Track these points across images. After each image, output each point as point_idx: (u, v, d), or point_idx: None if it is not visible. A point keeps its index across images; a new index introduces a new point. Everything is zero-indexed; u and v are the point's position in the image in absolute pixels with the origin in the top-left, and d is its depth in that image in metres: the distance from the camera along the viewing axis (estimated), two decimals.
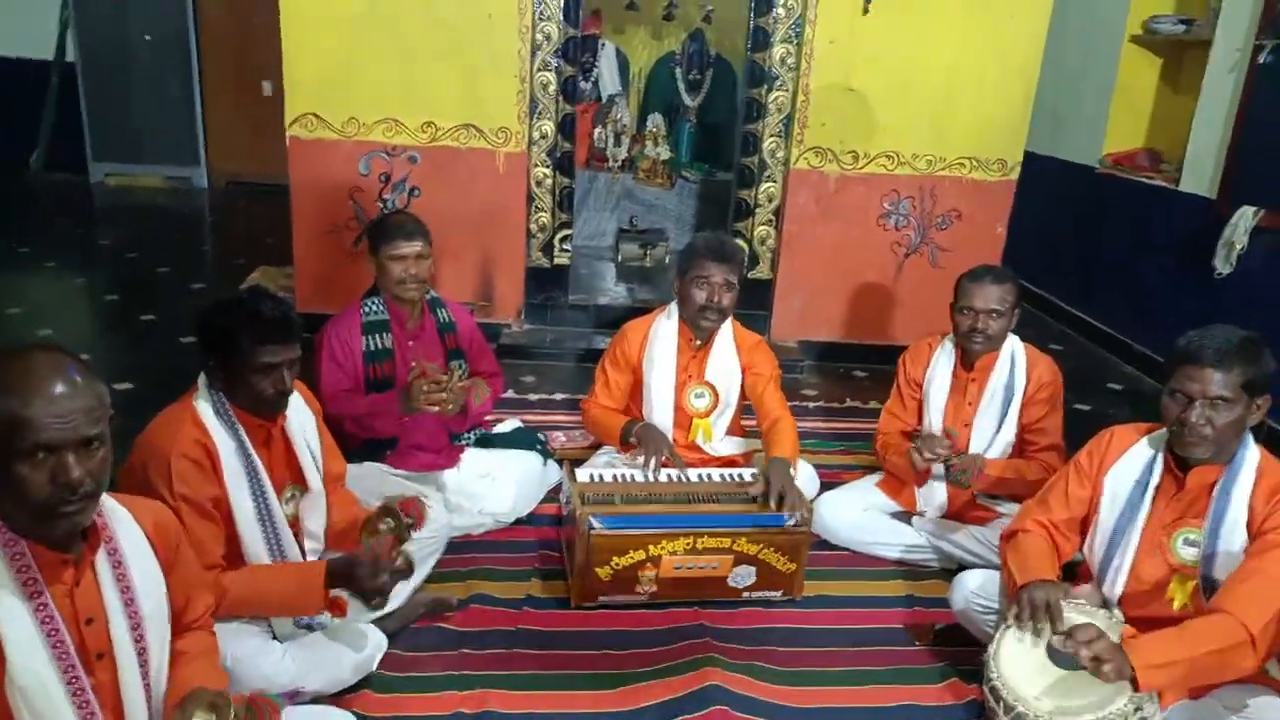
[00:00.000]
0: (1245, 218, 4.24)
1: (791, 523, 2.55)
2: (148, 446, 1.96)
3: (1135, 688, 1.86)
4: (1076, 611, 2.08)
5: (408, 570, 2.06)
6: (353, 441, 2.70)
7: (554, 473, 3.11)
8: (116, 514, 1.55)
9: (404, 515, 2.10)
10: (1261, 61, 4.23)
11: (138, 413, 2.08)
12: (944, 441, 2.74)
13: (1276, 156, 4.14)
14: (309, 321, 3.12)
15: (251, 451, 2.04)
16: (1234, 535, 2.02)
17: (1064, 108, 5.95)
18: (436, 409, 2.60)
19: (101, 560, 1.50)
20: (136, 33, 7.95)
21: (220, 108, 8.35)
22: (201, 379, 2.05)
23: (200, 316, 2.03)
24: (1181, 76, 5.34)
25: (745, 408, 3.14)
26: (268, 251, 5.87)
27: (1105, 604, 2.18)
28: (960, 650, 2.47)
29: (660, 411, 2.96)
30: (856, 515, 2.99)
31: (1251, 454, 2.06)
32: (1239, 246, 4.27)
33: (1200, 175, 4.68)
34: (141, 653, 1.53)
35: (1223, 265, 4.35)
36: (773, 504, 2.55)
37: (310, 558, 2.20)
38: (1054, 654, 2.00)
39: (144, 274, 5.72)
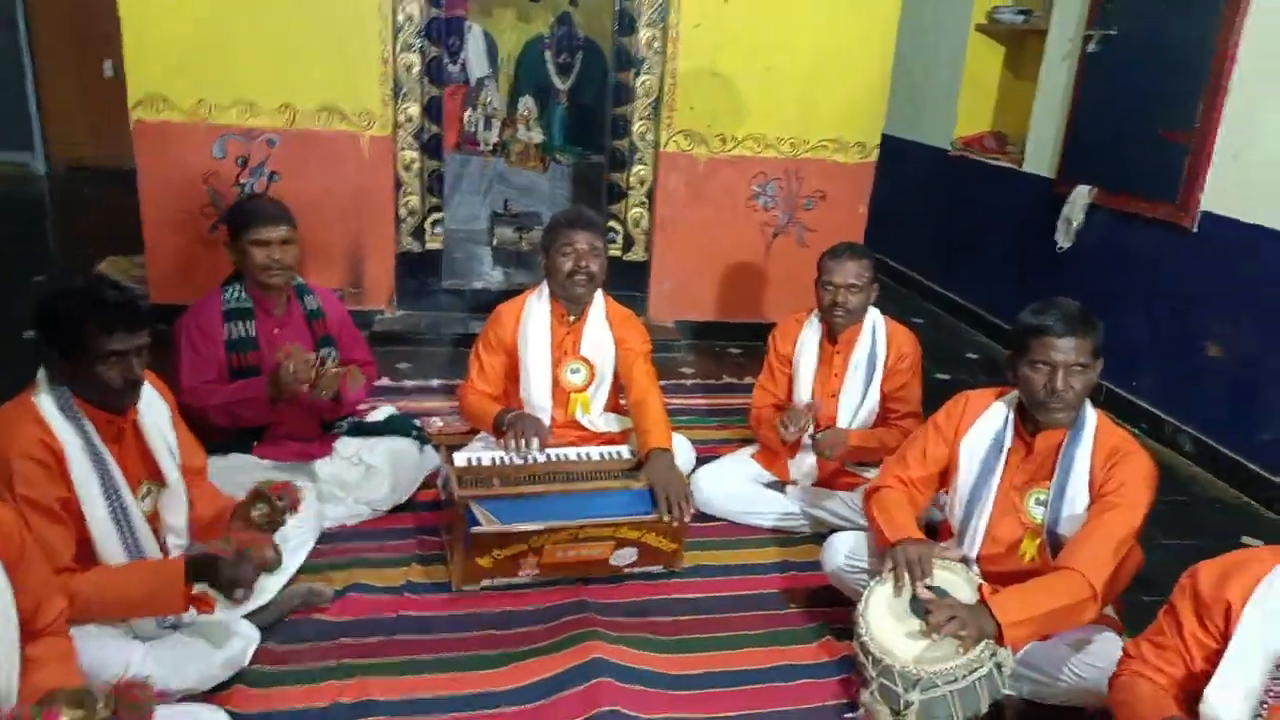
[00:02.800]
0: (1081, 195, 4.55)
1: (675, 523, 2.60)
2: None
3: (999, 642, 1.99)
4: (943, 568, 2.21)
5: (275, 560, 2.00)
6: (217, 434, 2.59)
7: (431, 459, 3.07)
8: None
9: (277, 498, 2.03)
10: (1090, 50, 4.54)
11: None
12: (806, 415, 2.86)
13: (1107, 138, 4.47)
14: (163, 312, 2.98)
15: (100, 448, 1.94)
16: (1077, 495, 2.18)
17: (918, 93, 6.23)
18: (306, 388, 2.52)
19: None
20: None
21: (57, 87, 7.79)
22: (41, 374, 1.93)
23: (41, 306, 1.91)
24: (1023, 64, 5.67)
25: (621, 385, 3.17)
26: (115, 240, 5.52)
27: (964, 561, 2.31)
28: (832, 610, 2.57)
29: (538, 389, 2.96)
30: (732, 486, 3.07)
31: (1090, 417, 2.22)
32: (1076, 222, 4.58)
33: (1041, 156, 5.00)
34: None
35: (1063, 239, 4.66)
36: (663, 508, 2.58)
37: (173, 553, 2.11)
38: (917, 608, 2.11)
39: None
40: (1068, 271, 4.67)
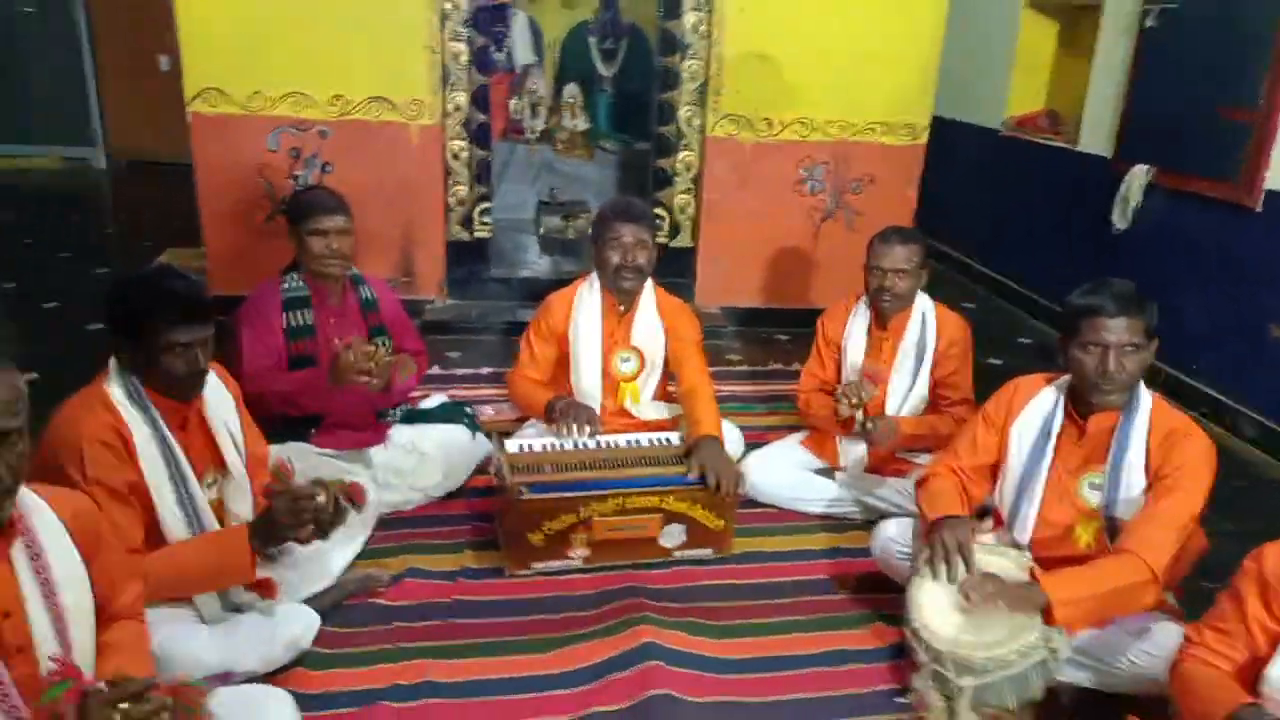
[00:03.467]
0: (1139, 175, 4.44)
1: (726, 497, 2.62)
2: (58, 433, 1.90)
3: (1048, 620, 1.97)
4: (988, 552, 2.19)
5: (336, 512, 1.99)
6: (275, 422, 2.66)
7: (483, 446, 3.11)
8: (33, 505, 1.51)
9: (344, 498, 2.07)
10: (1148, 25, 4.42)
11: (45, 404, 2.00)
12: (867, 386, 2.83)
13: (1166, 116, 4.35)
14: (223, 303, 3.05)
15: (168, 435, 1.99)
16: (1133, 478, 2.14)
17: (968, 73, 6.11)
18: (365, 379, 2.57)
19: (18, 552, 1.46)
20: (16, 3, 7.53)
21: (116, 84, 7.99)
22: (112, 363, 1.99)
23: (109, 297, 1.96)
24: (1077, 40, 5.54)
25: (672, 374, 3.18)
26: (175, 233, 5.67)
27: (1015, 546, 2.29)
28: (882, 596, 2.57)
29: (588, 378, 2.99)
30: (782, 473, 3.07)
31: (1145, 398, 2.18)
32: (1134, 203, 4.48)
33: (1097, 135, 4.88)
34: (65, 645, 1.50)
35: (1120, 221, 4.56)
36: (712, 487, 2.60)
37: None
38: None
39: (43, 260, 5.48)
40: (1124, 253, 4.57)
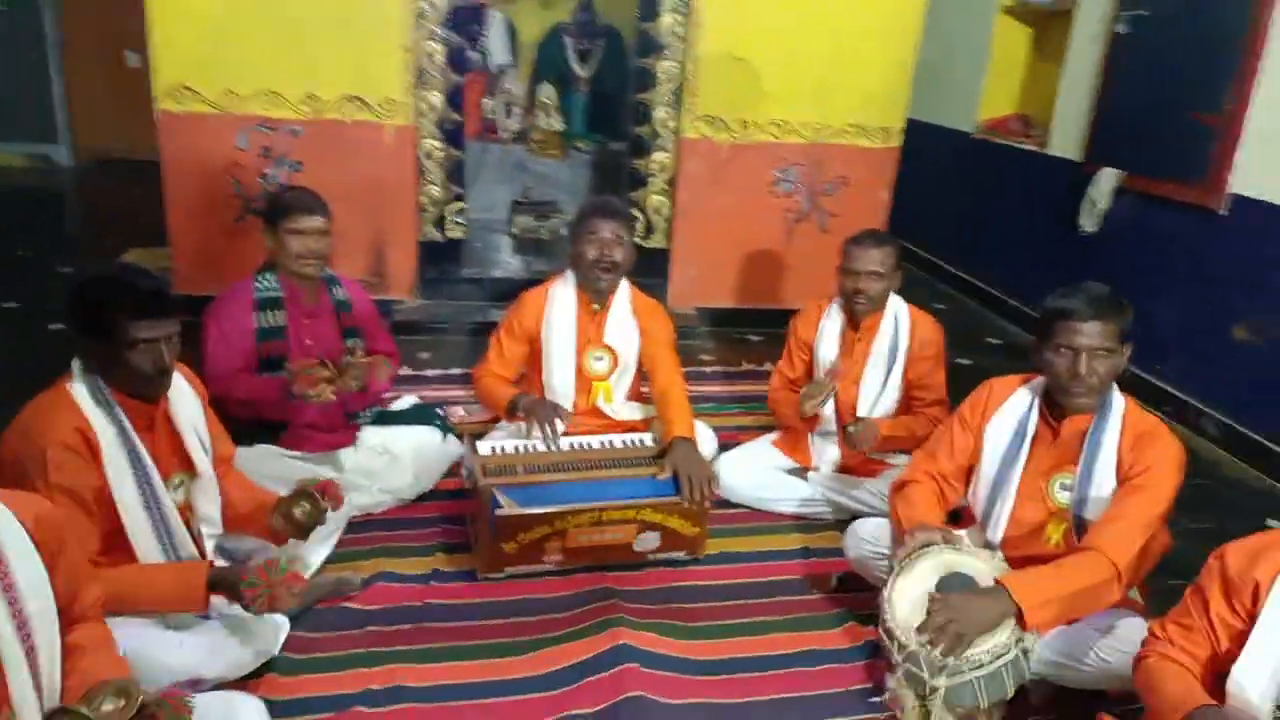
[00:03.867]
0: (1107, 178, 4.50)
1: (698, 506, 2.62)
2: (20, 436, 1.86)
3: (1021, 625, 1.99)
4: (962, 553, 2.20)
5: (303, 588, 1.97)
6: (244, 423, 2.62)
7: (454, 447, 3.09)
8: None
9: (322, 498, 2.05)
10: (1119, 31, 4.47)
11: (6, 406, 1.97)
12: (828, 386, 2.86)
13: (1135, 121, 4.41)
14: (189, 303, 3.00)
15: (134, 437, 1.95)
16: (1104, 480, 2.17)
17: (942, 76, 6.17)
18: (315, 396, 2.54)
19: None
20: None
21: (82, 79, 7.86)
22: (76, 363, 1.95)
23: (71, 294, 1.92)
24: (1049, 45, 5.60)
25: (644, 373, 3.18)
26: (140, 231, 5.58)
27: (987, 545, 2.31)
28: (856, 596, 2.58)
29: (560, 375, 2.98)
30: (754, 474, 3.08)
31: (1118, 401, 2.21)
32: (1102, 205, 4.54)
33: (1067, 139, 4.95)
34: (30, 652, 1.47)
35: (1088, 223, 4.62)
36: (685, 493, 2.60)
37: (207, 543, 2.14)
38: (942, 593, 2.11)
39: (3, 258, 5.37)
40: (1093, 255, 4.63)
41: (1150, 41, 4.31)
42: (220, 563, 2.15)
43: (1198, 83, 3.99)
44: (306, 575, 2.35)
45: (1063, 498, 2.24)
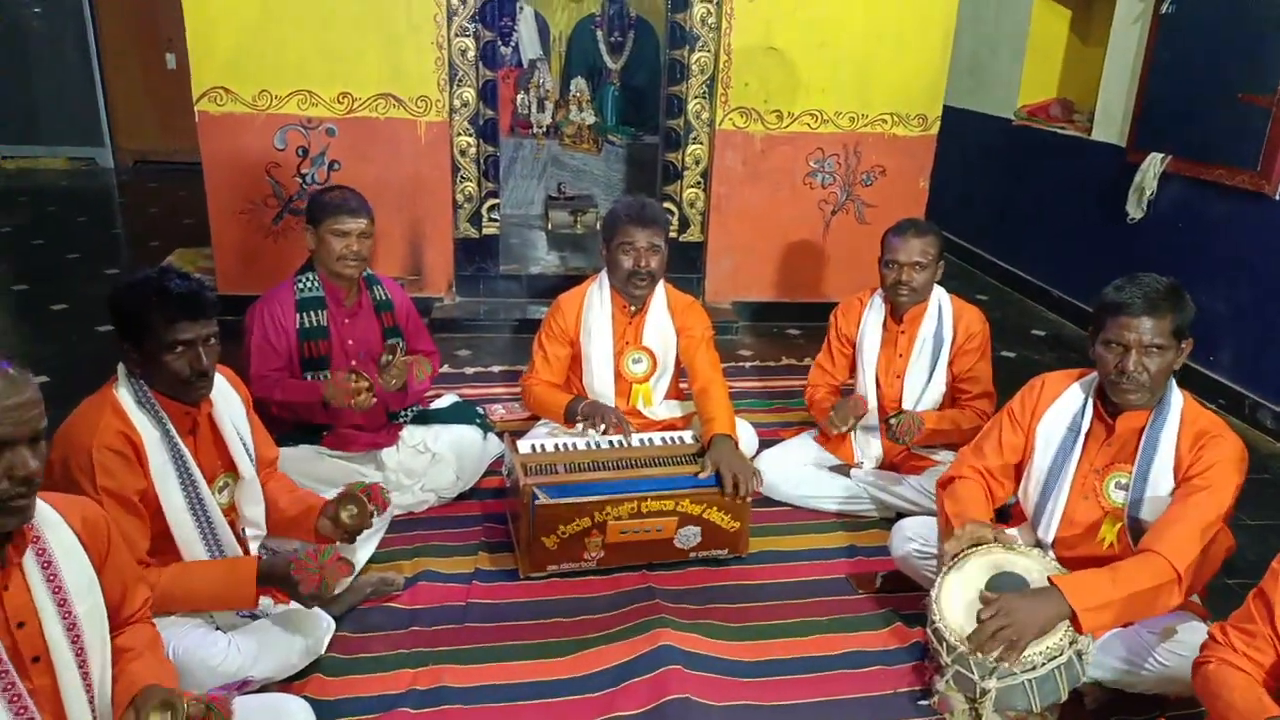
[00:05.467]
0: (1154, 164, 4.39)
1: (739, 500, 2.60)
2: (67, 440, 1.88)
3: (1076, 628, 1.94)
4: (1013, 552, 2.16)
5: (349, 571, 2.02)
6: (287, 424, 2.64)
7: (495, 446, 3.09)
8: (43, 514, 1.50)
9: (368, 501, 2.05)
10: (1164, 12, 4.36)
11: (56, 407, 1.98)
12: (857, 411, 2.84)
13: (1181, 104, 4.29)
14: (232, 303, 3.03)
15: (177, 440, 1.97)
16: (1161, 479, 2.10)
17: (980, 62, 6.06)
18: (354, 405, 2.54)
19: (30, 562, 1.45)
20: (24, 3, 7.53)
21: (123, 83, 7.99)
22: (120, 368, 1.97)
23: (110, 298, 1.94)
24: (1090, 27, 5.48)
25: (683, 370, 3.16)
26: (183, 232, 5.68)
27: (1039, 545, 2.26)
28: (902, 596, 2.54)
29: (600, 380, 2.96)
30: (796, 471, 3.04)
31: (1176, 398, 2.14)
32: (1149, 192, 4.42)
33: (1111, 124, 4.83)
34: (80, 653, 1.49)
35: (1134, 210, 4.51)
36: (728, 489, 2.57)
37: (251, 544, 2.15)
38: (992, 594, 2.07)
39: (52, 261, 5.48)
40: (1139, 243, 4.52)
41: (1197, 21, 4.19)
42: None
43: (1247, 63, 3.87)
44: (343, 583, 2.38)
45: (1117, 497, 2.18)
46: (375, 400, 2.60)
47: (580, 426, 2.86)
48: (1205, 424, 2.11)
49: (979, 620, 1.98)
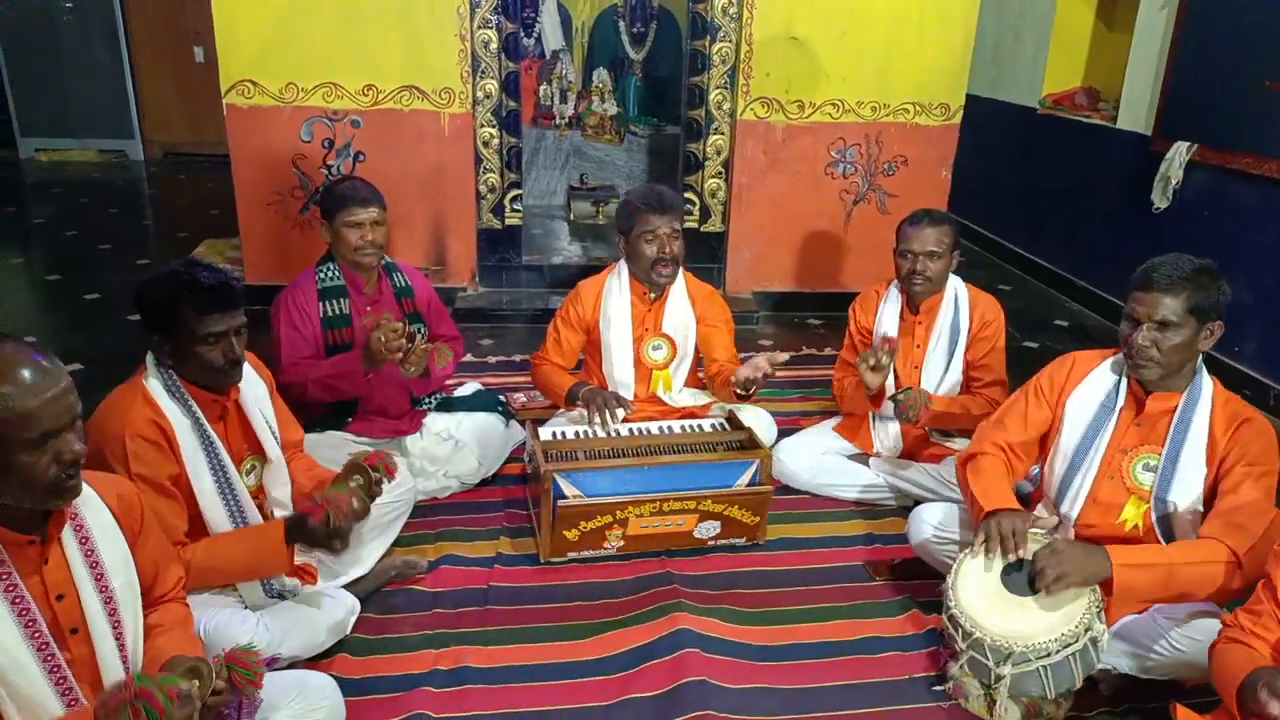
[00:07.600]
0: (1180, 153, 4.35)
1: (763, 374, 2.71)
2: (100, 429, 1.93)
3: (1107, 589, 1.95)
4: (1033, 541, 2.16)
5: (364, 512, 2.04)
6: (313, 410, 2.69)
7: (517, 433, 3.14)
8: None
9: (372, 469, 2.10)
10: None
11: (89, 394, 2.04)
12: (884, 347, 2.79)
13: (1208, 92, 4.25)
14: (260, 293, 3.09)
15: (207, 427, 2.02)
16: (1192, 462, 2.10)
17: (1004, 50, 6.01)
18: (399, 356, 2.57)
19: (68, 537, 1.50)
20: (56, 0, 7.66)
21: (152, 77, 8.11)
22: (149, 358, 2.01)
23: (138, 292, 1.98)
24: (1116, 16, 5.42)
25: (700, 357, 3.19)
26: (212, 223, 5.76)
27: (1060, 521, 2.25)
28: (919, 583, 2.56)
29: (620, 367, 3.00)
30: (815, 459, 3.06)
31: (1207, 382, 2.14)
32: (1175, 181, 4.39)
33: (1136, 113, 4.78)
34: (116, 625, 1.54)
35: (1160, 200, 4.47)
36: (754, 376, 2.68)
37: None
38: (1008, 581, 2.08)
39: (85, 252, 5.59)
40: (1164, 233, 4.48)
41: (1224, 8, 4.14)
42: None
43: (1274, 51, 3.82)
44: (367, 565, 2.43)
45: (1144, 479, 2.16)
46: (419, 371, 2.63)
47: (578, 412, 2.89)
48: (1237, 406, 2.11)
49: (1034, 561, 2.02)
